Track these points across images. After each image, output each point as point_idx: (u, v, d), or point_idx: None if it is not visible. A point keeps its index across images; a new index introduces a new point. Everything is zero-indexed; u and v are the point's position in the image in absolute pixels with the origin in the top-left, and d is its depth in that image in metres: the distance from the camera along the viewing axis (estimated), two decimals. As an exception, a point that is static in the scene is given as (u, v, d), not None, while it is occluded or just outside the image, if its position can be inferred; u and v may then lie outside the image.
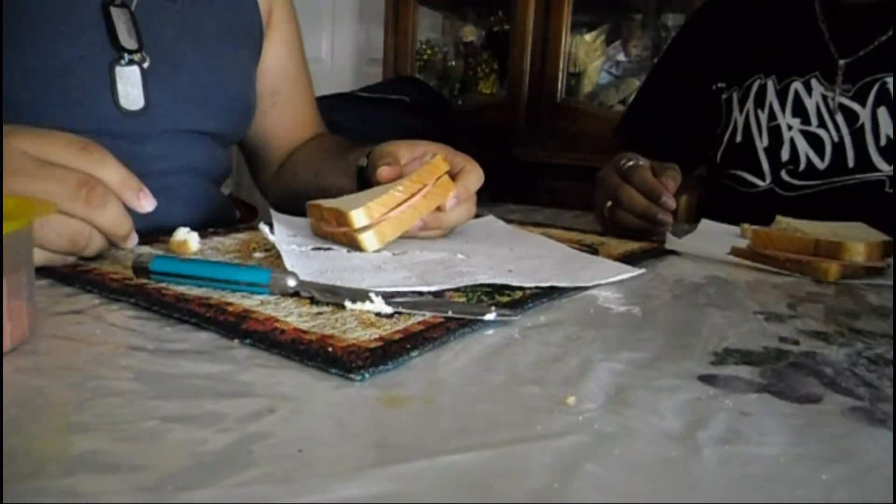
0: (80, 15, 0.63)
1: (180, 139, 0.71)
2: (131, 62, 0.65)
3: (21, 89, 0.60)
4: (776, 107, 0.93)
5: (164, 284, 0.44)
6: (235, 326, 0.37)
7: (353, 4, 2.42)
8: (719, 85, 1.01)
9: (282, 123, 0.87)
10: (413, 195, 0.57)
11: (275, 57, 0.85)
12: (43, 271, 0.46)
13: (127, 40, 0.65)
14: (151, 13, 0.68)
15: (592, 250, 0.64)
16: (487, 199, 1.11)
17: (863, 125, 0.88)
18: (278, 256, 0.51)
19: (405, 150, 0.65)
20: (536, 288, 0.48)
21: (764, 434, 0.29)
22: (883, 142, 0.87)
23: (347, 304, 0.41)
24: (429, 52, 2.20)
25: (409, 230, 0.58)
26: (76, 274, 0.46)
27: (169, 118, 0.69)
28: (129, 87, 0.65)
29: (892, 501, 0.24)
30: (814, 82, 0.91)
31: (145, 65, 0.66)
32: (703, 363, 0.37)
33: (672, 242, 0.68)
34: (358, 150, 0.74)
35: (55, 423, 0.27)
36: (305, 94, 0.91)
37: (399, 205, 0.56)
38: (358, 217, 0.54)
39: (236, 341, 0.36)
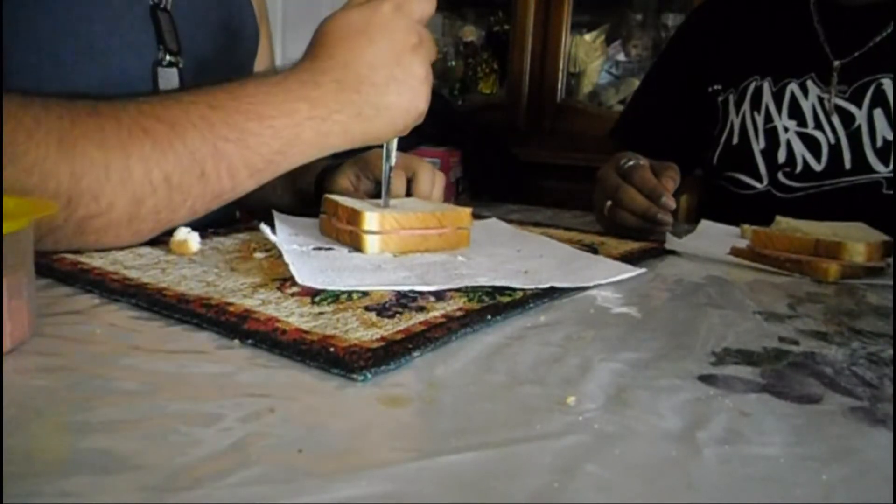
0: (130, 19, 0.65)
1: None
2: (171, 64, 0.67)
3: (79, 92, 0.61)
4: (772, 109, 0.93)
5: (164, 285, 0.44)
6: (237, 327, 0.37)
7: (354, 4, 2.42)
8: (715, 87, 1.01)
9: None
10: (429, 228, 0.58)
11: (263, 62, 0.89)
12: (43, 271, 0.46)
13: (172, 42, 0.67)
14: (180, 16, 0.69)
15: (592, 250, 0.64)
16: (487, 199, 1.11)
17: (859, 127, 0.87)
18: (279, 256, 0.51)
19: (351, 181, 0.73)
20: (536, 288, 0.48)
21: (764, 434, 0.29)
22: (879, 143, 0.86)
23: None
24: (429, 51, 2.19)
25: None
26: (76, 274, 0.46)
27: None
28: (169, 88, 0.67)
29: (892, 501, 0.24)
30: (809, 84, 0.91)
31: (181, 66, 0.69)
32: (703, 363, 0.37)
33: (672, 242, 0.68)
34: (308, 171, 0.78)
35: (55, 423, 0.27)
36: None
37: (413, 228, 0.57)
38: (370, 220, 0.55)
39: (236, 341, 0.36)
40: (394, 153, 0.62)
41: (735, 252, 0.65)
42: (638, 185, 0.75)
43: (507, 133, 1.88)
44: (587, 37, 1.97)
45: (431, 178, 0.74)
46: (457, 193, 1.13)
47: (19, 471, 0.23)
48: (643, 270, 0.57)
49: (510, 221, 0.76)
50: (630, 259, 0.61)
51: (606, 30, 1.98)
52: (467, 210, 0.60)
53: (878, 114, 0.86)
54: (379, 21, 0.55)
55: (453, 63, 2.20)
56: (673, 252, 0.67)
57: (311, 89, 0.54)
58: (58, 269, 0.47)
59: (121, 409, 0.28)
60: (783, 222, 0.71)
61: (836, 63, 0.90)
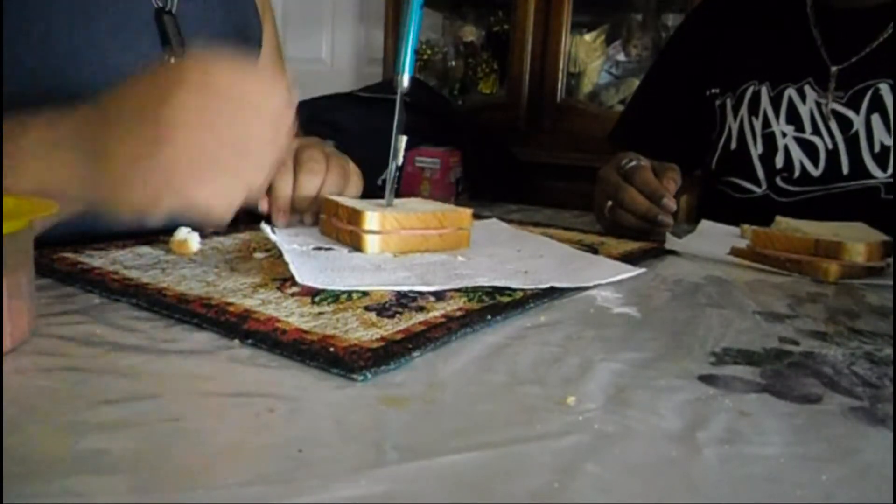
0: (135, 22, 0.65)
1: None
2: None
3: (82, 95, 0.61)
4: (770, 114, 0.93)
5: (164, 285, 0.44)
6: (237, 327, 0.37)
7: (353, 4, 2.42)
8: (713, 91, 1.01)
9: None
10: (430, 228, 0.58)
11: (264, 60, 0.87)
12: (43, 271, 0.46)
13: (178, 46, 0.67)
14: (184, 18, 0.69)
15: (592, 250, 0.64)
16: (487, 199, 1.11)
17: (857, 132, 0.87)
18: (279, 256, 0.51)
19: (282, 181, 0.64)
20: (536, 288, 0.48)
21: (764, 434, 0.29)
22: (877, 148, 0.86)
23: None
24: (429, 52, 2.19)
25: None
26: (76, 274, 0.46)
27: None
28: None
29: (892, 501, 0.24)
30: (807, 89, 0.91)
31: None
32: (702, 363, 0.37)
33: (672, 242, 0.68)
34: None
35: (55, 423, 0.27)
36: None
37: (413, 228, 0.57)
38: (370, 219, 0.55)
39: (236, 341, 0.36)
40: (401, 152, 0.62)
41: (735, 252, 0.65)
42: (639, 186, 0.75)
43: (507, 133, 1.88)
44: (587, 37, 1.97)
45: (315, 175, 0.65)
46: (457, 193, 1.13)
47: (19, 471, 0.23)
48: (643, 270, 0.57)
49: (510, 221, 0.76)
50: (630, 259, 0.61)
51: (606, 30, 1.98)
52: (468, 211, 0.60)
53: (876, 119, 0.86)
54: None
55: (453, 63, 2.20)
56: (673, 252, 0.67)
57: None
58: (58, 269, 0.47)
59: (121, 409, 0.28)
60: (783, 222, 0.71)
61: (834, 69, 0.90)
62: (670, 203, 0.73)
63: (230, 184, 0.45)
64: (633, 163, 0.78)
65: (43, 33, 0.58)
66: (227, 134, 0.44)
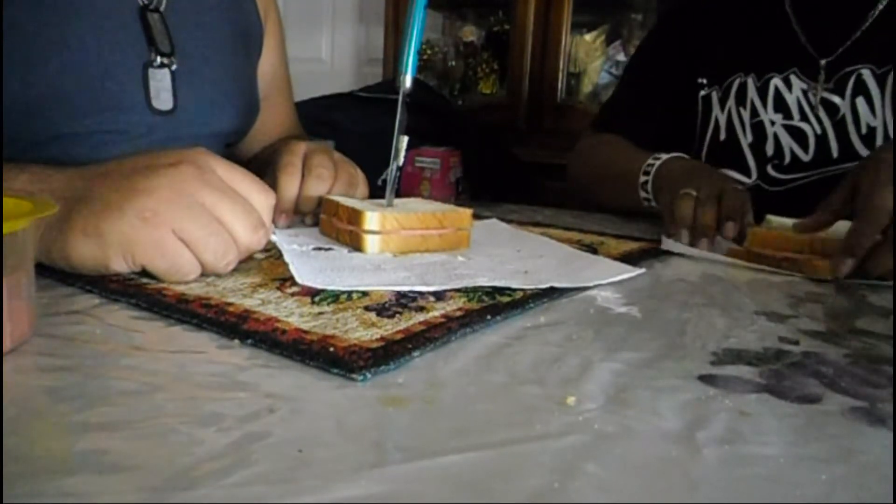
0: (118, 20, 0.65)
1: (204, 143, 0.73)
2: (162, 65, 0.67)
3: (65, 94, 0.61)
4: (758, 103, 0.94)
5: (164, 285, 0.44)
6: (236, 327, 0.37)
7: (353, 4, 2.42)
8: (701, 80, 1.02)
9: (262, 127, 0.88)
10: (430, 228, 0.58)
11: (268, 61, 0.87)
12: (43, 271, 0.46)
13: (163, 44, 0.67)
14: (176, 17, 0.69)
15: (592, 250, 0.64)
16: (487, 199, 1.11)
17: (844, 116, 0.89)
18: (279, 256, 0.51)
19: (287, 180, 0.65)
20: (536, 288, 0.48)
21: (764, 434, 0.29)
22: (864, 130, 0.88)
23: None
24: (429, 52, 2.19)
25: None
26: (76, 274, 0.46)
27: (195, 120, 0.71)
28: (161, 90, 0.67)
29: (892, 501, 0.24)
30: (793, 78, 0.92)
31: (174, 68, 0.68)
32: (702, 363, 0.37)
33: (668, 244, 0.68)
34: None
35: (55, 423, 0.27)
36: (288, 100, 0.94)
37: (413, 229, 0.57)
38: (371, 220, 0.55)
39: (236, 341, 0.36)
40: (402, 153, 0.62)
41: (732, 253, 0.65)
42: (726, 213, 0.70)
43: (507, 133, 1.88)
44: (587, 37, 1.97)
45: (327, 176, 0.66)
46: (457, 193, 1.13)
47: (19, 471, 0.23)
48: (643, 270, 0.57)
49: (510, 221, 0.76)
50: (630, 259, 0.61)
51: (606, 30, 1.98)
52: (468, 211, 0.60)
53: (861, 102, 0.88)
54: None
55: (453, 63, 2.20)
56: (673, 252, 0.67)
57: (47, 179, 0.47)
58: (58, 269, 0.47)
59: (121, 409, 0.28)
60: (774, 220, 0.71)
61: (822, 61, 0.91)
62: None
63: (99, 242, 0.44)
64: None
65: (13, 26, 0.57)
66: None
